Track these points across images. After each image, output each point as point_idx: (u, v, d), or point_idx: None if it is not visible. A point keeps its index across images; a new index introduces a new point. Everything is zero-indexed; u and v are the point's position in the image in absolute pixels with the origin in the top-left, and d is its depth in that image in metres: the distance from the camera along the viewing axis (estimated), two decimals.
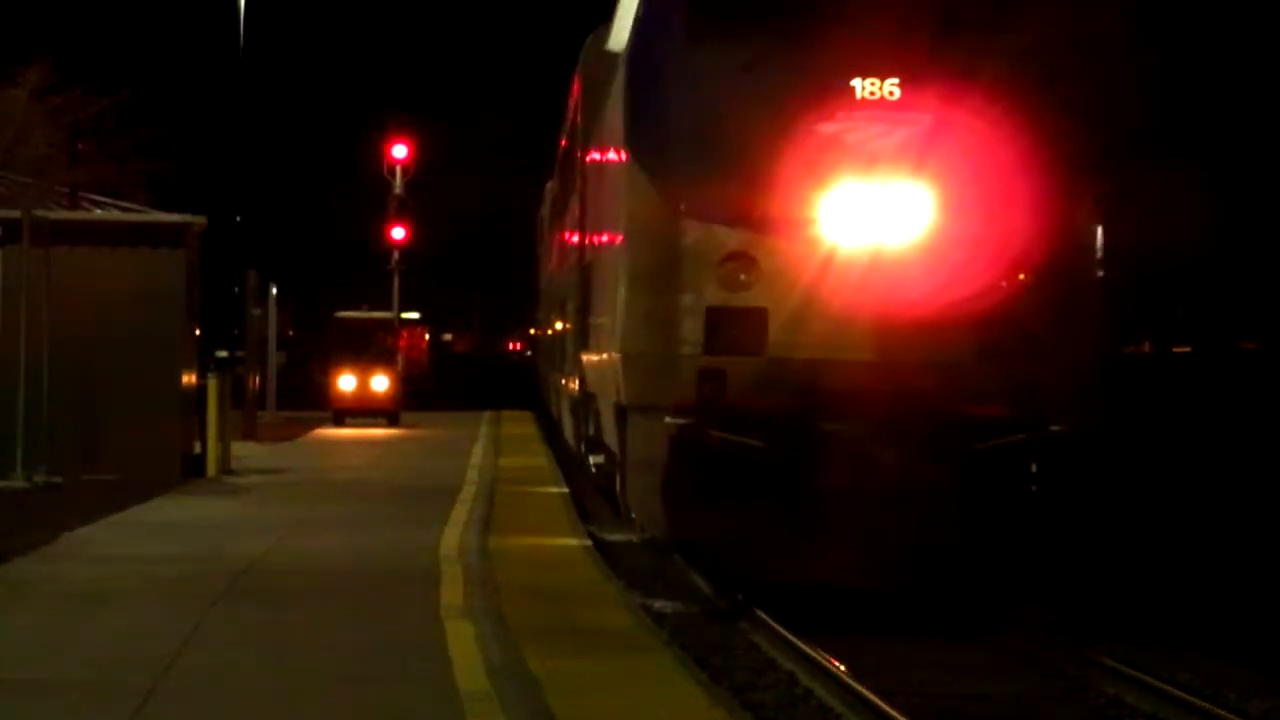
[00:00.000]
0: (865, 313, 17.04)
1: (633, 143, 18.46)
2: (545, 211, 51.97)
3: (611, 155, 21.12)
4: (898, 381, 16.90)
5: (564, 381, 34.66)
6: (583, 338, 26.44)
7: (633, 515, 20.92)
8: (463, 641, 13.30)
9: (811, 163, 17.07)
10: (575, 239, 29.00)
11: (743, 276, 17.20)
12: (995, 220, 17.15)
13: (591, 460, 26.71)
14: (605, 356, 21.04)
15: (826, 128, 17.13)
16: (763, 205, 17.15)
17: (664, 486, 17.30)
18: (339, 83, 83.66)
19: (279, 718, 10.86)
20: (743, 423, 16.93)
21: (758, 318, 17.16)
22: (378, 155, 56.66)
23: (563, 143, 38.49)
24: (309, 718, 10.87)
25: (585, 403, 27.16)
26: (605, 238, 22.22)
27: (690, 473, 17.01)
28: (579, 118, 29.00)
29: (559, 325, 37.87)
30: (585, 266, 26.41)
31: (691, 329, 17.33)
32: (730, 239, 17.27)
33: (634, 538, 22.29)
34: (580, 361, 26.93)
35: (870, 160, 17.11)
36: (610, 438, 22.36)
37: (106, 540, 19.86)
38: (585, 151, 27.24)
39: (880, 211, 17.11)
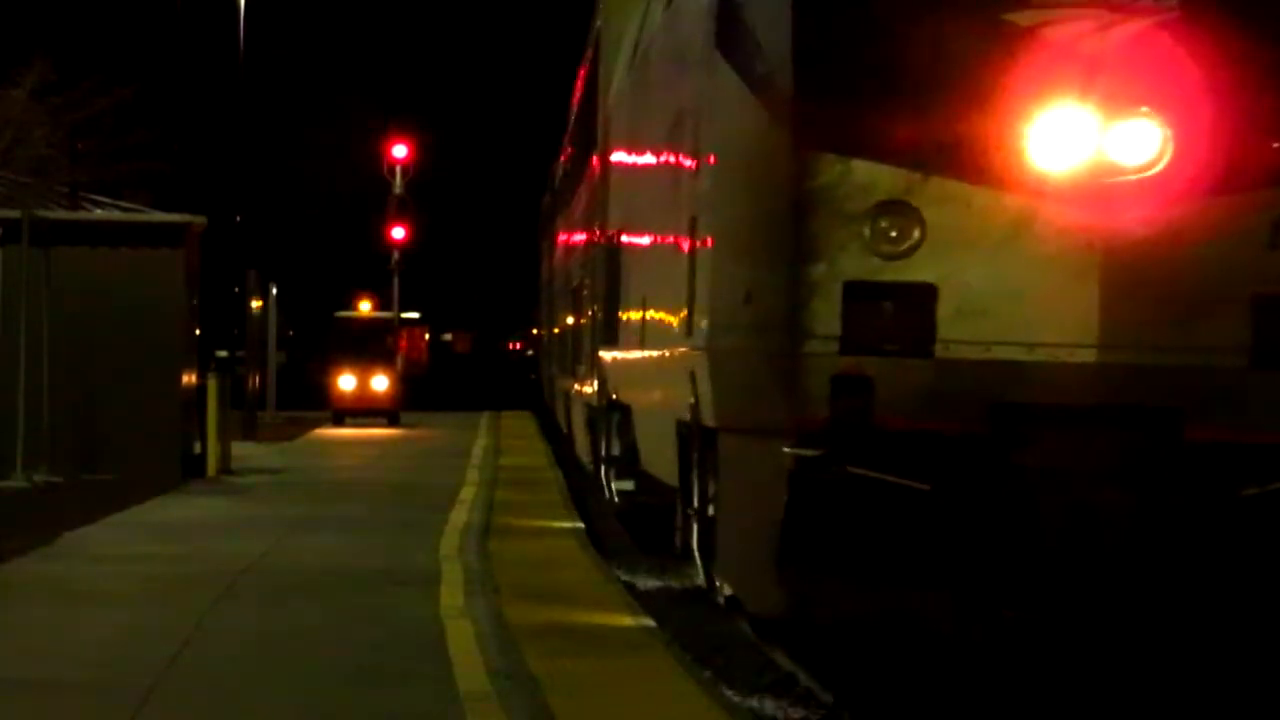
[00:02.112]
0: (1084, 292, 11.92)
1: (728, 40, 13.26)
2: (549, 198, 50.83)
3: (683, 73, 16.04)
4: (1132, 393, 11.94)
5: (576, 386, 30.61)
6: (608, 332, 22.00)
7: (717, 582, 15.27)
8: (463, 641, 13.29)
9: (1002, 71, 11.94)
10: (596, 214, 25.28)
11: (899, 236, 12.04)
12: (1274, 158, 12.09)
13: (615, 486, 22.25)
14: (664, 354, 16.40)
15: (1022, 18, 11.99)
16: (929, 131, 11.99)
17: (779, 546, 12.03)
18: (339, 82, 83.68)
19: (279, 718, 10.85)
20: (898, 454, 11.83)
21: (922, 298, 11.99)
22: (378, 155, 56.76)
23: (574, 103, 35.36)
24: (309, 718, 10.87)
25: (608, 414, 22.63)
26: (662, 191, 17.14)
27: (820, 527, 11.93)
28: (602, 51, 25.52)
29: (569, 320, 34.89)
30: (611, 240, 22.02)
31: (821, 315, 12.00)
32: (881, 181, 12.00)
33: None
34: (601, 362, 23.19)
35: (1087, 67, 11.92)
36: (661, 466, 17.49)
37: (106, 540, 19.84)
38: (607, 99, 23.93)
39: (1104, 142, 11.96)
